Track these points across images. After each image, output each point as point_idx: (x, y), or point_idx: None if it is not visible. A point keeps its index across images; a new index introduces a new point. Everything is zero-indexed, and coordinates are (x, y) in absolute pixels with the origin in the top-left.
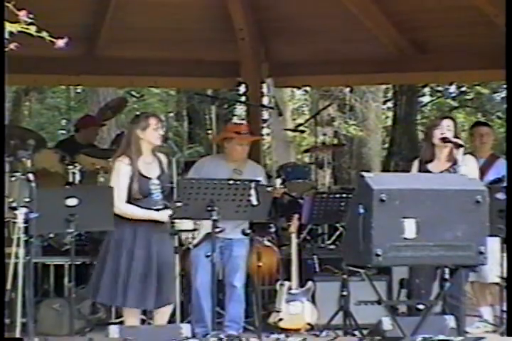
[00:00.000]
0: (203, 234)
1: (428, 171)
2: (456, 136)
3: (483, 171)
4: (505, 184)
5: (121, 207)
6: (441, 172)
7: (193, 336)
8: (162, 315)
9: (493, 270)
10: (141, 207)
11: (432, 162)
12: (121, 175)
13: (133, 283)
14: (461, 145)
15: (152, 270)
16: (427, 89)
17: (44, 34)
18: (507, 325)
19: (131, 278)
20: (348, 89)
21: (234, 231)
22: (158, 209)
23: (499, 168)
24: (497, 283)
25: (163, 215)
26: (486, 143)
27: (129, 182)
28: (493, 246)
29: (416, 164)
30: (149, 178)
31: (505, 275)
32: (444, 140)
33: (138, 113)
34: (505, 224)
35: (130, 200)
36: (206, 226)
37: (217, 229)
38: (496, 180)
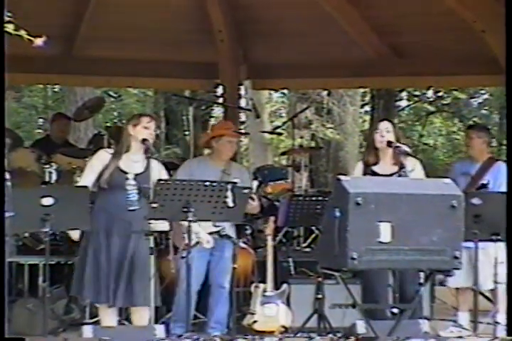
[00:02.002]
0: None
1: (374, 173)
2: (397, 138)
3: (478, 176)
4: (491, 188)
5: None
6: (391, 175)
7: (167, 337)
8: (140, 318)
9: (488, 276)
10: (110, 201)
11: (377, 164)
12: (96, 159)
13: (106, 278)
14: (408, 154)
15: (125, 268)
16: (404, 94)
17: (22, 33)
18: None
19: (104, 273)
20: (325, 93)
21: (229, 232)
22: (133, 210)
23: (495, 173)
24: (472, 289)
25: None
26: (473, 146)
27: (102, 169)
28: (490, 251)
29: (360, 167)
30: (126, 173)
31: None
32: (389, 144)
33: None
34: (479, 229)
35: (99, 187)
36: (205, 227)
37: (219, 228)
38: (480, 185)
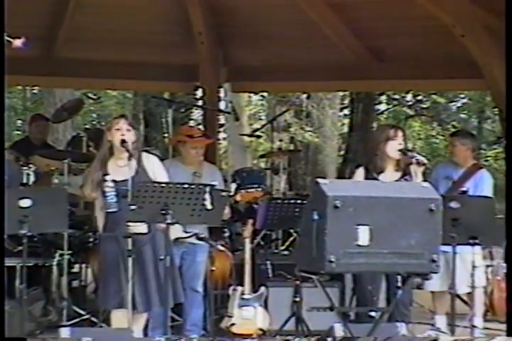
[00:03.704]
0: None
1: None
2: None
3: (460, 181)
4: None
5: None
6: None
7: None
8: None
9: (464, 280)
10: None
11: (383, 172)
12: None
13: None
14: (423, 164)
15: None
16: (383, 97)
17: None
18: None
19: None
20: (305, 96)
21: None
22: (112, 212)
23: (477, 180)
24: (450, 293)
25: None
26: (456, 154)
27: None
28: (466, 257)
29: (362, 172)
30: (120, 181)
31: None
32: (404, 152)
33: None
34: (457, 232)
35: None
36: (175, 231)
37: (188, 234)
38: (460, 192)
